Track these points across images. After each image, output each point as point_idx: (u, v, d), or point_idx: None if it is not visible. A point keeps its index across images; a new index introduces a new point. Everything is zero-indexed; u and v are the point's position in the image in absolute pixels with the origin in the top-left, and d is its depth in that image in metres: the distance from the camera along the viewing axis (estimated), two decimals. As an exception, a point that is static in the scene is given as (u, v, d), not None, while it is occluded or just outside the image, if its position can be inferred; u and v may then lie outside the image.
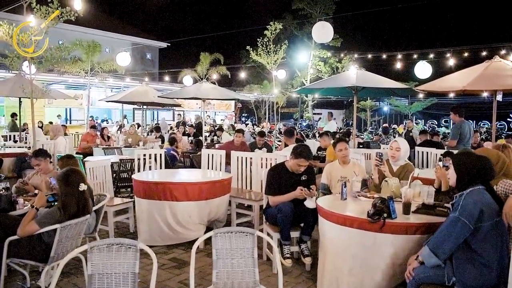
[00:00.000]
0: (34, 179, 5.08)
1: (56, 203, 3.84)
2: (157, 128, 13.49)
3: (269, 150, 8.57)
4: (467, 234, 2.80)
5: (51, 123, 17.73)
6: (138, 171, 6.75)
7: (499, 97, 7.14)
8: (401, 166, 4.77)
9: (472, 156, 3.09)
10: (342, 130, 22.57)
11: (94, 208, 4.37)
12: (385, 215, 3.32)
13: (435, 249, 2.88)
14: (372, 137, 17.10)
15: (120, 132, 15.80)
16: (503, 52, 17.33)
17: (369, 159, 7.46)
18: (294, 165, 4.61)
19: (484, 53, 19.04)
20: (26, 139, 12.38)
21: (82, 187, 3.72)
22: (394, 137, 15.96)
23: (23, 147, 9.92)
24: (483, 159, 3.02)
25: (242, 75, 27.35)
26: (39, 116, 17.94)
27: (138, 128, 16.33)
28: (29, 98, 6.66)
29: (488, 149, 3.88)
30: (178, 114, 22.88)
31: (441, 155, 6.32)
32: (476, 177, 2.94)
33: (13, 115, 20.11)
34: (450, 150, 6.65)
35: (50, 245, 3.56)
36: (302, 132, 17.66)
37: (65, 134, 13.72)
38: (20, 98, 10.88)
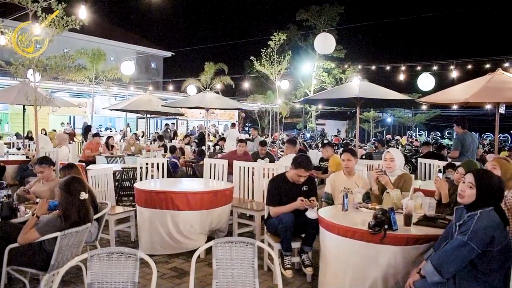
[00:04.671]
0: (36, 186, 5.08)
1: (57, 210, 3.84)
2: (160, 137, 13.52)
3: (272, 160, 8.57)
4: (473, 257, 2.75)
5: (54, 130, 17.82)
6: (140, 179, 6.74)
7: (502, 110, 7.16)
8: (398, 176, 4.73)
9: (496, 180, 2.93)
10: (344, 141, 22.63)
11: (95, 217, 4.37)
12: (386, 226, 3.31)
13: (439, 268, 2.83)
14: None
15: (124, 141, 15.86)
16: (506, 64, 17.35)
17: (372, 170, 7.45)
18: (294, 175, 4.61)
19: (487, 66, 19.06)
20: (29, 146, 12.44)
21: (83, 196, 3.72)
22: (397, 147, 15.96)
23: (23, 154, 9.96)
24: (502, 183, 2.94)
25: (246, 85, 27.46)
26: (43, 124, 18.02)
27: (142, 137, 16.42)
28: (33, 105, 6.70)
29: (504, 160, 3.86)
30: (172, 123, 22.98)
31: (443, 166, 6.30)
32: (495, 199, 2.87)
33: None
34: (453, 162, 6.63)
35: (51, 253, 3.55)
36: (305, 143, 17.68)
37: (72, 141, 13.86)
38: (24, 106, 10.94)
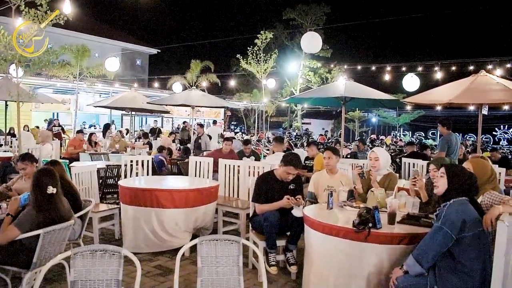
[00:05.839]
0: (19, 183, 5.00)
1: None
2: (145, 135, 13.42)
3: (257, 158, 8.57)
4: (450, 244, 2.85)
5: (37, 127, 17.56)
6: (125, 177, 6.70)
7: (484, 111, 7.26)
8: (384, 175, 4.77)
9: (466, 171, 3.16)
10: (330, 140, 22.74)
11: (79, 214, 4.33)
12: (370, 225, 3.34)
13: (419, 258, 2.93)
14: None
15: (108, 138, 15.71)
16: (489, 66, 17.59)
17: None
18: (283, 173, 4.62)
19: (471, 67, 19.33)
20: (11, 143, 12.25)
21: (50, 190, 3.65)
22: (382, 147, 16.08)
23: (8, 151, 9.80)
24: (474, 176, 3.10)
25: (232, 83, 27.40)
26: (26, 120, 17.75)
27: (126, 134, 16.27)
28: (15, 101, 6.59)
29: (481, 160, 3.93)
30: (154, 120, 22.78)
31: (426, 166, 6.37)
32: (465, 191, 3.00)
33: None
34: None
35: (32, 250, 3.49)
36: (290, 141, 17.73)
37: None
38: (6, 102, 10.76)
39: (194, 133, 12.51)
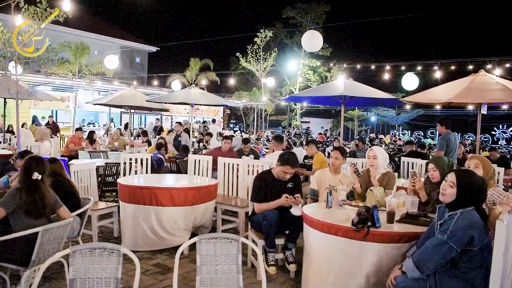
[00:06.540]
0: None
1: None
2: (144, 133, 13.40)
3: (256, 157, 8.57)
4: (453, 256, 2.80)
5: (36, 125, 17.53)
6: (124, 175, 6.69)
7: (483, 110, 7.25)
8: (382, 174, 4.76)
9: (478, 181, 2.94)
10: (329, 139, 22.75)
11: (77, 212, 4.32)
12: (369, 223, 3.34)
13: (419, 265, 2.89)
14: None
15: (107, 136, 15.69)
16: (488, 66, 17.58)
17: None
18: (280, 172, 4.62)
19: (470, 67, 19.32)
20: (10, 140, 12.23)
21: (35, 175, 3.73)
22: (381, 146, 16.10)
23: (5, 148, 9.78)
24: (485, 185, 2.94)
25: (231, 81, 27.37)
26: (25, 118, 17.71)
27: (126, 130, 16.28)
28: (14, 99, 6.58)
29: (485, 158, 3.93)
30: (156, 119, 22.77)
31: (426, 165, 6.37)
32: (476, 200, 2.89)
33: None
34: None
35: (27, 243, 3.49)
36: (289, 140, 17.73)
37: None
38: (5, 99, 10.75)
39: (193, 131, 12.48)
